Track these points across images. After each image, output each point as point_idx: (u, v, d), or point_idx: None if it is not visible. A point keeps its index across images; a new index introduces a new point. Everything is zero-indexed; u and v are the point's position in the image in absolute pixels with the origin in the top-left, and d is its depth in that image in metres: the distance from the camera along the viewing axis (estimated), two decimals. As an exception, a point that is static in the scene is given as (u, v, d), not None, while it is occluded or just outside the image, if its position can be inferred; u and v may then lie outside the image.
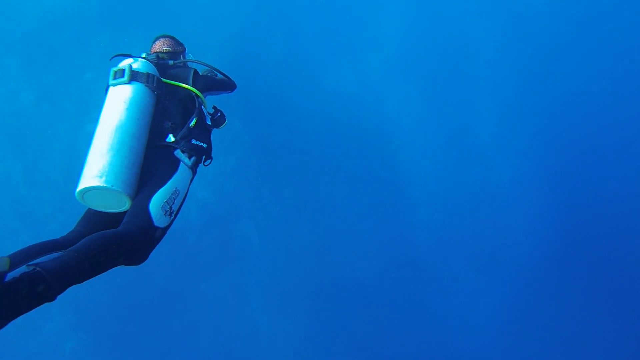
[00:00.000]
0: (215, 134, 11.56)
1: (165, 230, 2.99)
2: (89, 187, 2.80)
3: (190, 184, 3.42)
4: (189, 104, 3.39)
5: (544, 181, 13.17)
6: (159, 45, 3.92)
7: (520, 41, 13.73)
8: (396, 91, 13.30)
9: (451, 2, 13.44)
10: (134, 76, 3.13)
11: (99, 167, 2.78)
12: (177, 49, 3.92)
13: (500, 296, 13.04)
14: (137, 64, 3.23)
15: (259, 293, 12.06)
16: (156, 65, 3.55)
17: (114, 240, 2.46)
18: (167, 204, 2.99)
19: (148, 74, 3.18)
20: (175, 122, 3.30)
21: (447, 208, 12.90)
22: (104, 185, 2.78)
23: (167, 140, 3.21)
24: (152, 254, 2.99)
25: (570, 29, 13.89)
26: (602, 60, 13.73)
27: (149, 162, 3.12)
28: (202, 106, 3.72)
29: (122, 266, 2.71)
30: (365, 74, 13.28)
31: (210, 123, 3.90)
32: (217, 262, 11.92)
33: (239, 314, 12.10)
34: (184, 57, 4.13)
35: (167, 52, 3.84)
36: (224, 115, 4.02)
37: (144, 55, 3.57)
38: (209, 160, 3.86)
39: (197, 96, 3.59)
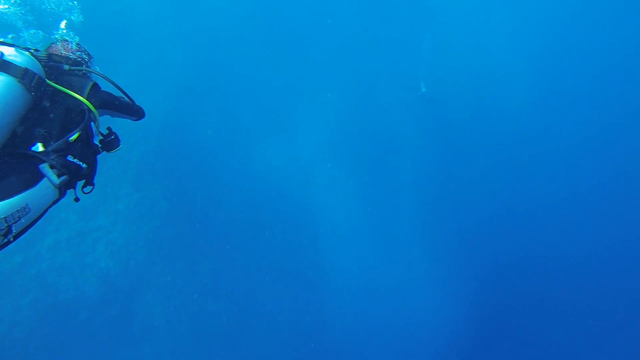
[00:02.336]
0: (132, 199, 10.81)
1: None
2: None
3: (50, 206, 2.86)
4: (76, 117, 2.92)
5: (462, 284, 13.88)
6: (58, 48, 3.34)
7: (444, 138, 15.23)
8: (325, 175, 13.67)
9: (385, 96, 14.69)
10: (4, 66, 2.63)
11: None
12: (80, 58, 3.42)
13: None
14: (14, 55, 2.71)
15: (156, 383, 10.58)
16: (45, 65, 3.02)
17: None
18: (5, 221, 2.36)
19: (27, 70, 2.66)
20: (51, 131, 2.72)
21: (363, 300, 12.86)
22: None
23: (33, 149, 2.61)
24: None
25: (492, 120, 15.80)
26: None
27: None
28: (93, 123, 3.18)
29: None
30: (296, 153, 13.59)
31: (98, 144, 3.37)
32: (110, 343, 10.39)
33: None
34: (87, 67, 3.64)
35: (66, 58, 3.31)
36: (119, 139, 3.47)
37: (32, 49, 3.06)
38: (90, 187, 3.27)
39: (90, 111, 3.06)
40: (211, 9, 13.19)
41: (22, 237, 2.63)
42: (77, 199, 3.25)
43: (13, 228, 2.41)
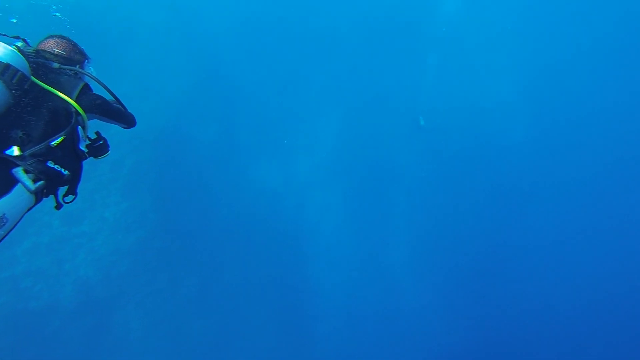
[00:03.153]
0: (120, 207, 10.52)
1: None
2: None
3: (27, 211, 2.63)
4: (61, 119, 2.72)
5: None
6: (50, 45, 3.09)
7: (441, 170, 15.24)
8: (318, 200, 13.53)
9: (384, 127, 14.74)
10: None
11: None
12: (75, 57, 3.16)
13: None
14: None
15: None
16: (33, 62, 2.75)
17: None
18: None
19: (8, 66, 2.49)
20: (31, 134, 2.53)
21: (352, 326, 12.56)
22: None
23: (7, 152, 2.42)
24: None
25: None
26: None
27: None
28: (80, 127, 2.94)
29: None
30: (291, 176, 13.46)
31: (85, 149, 3.13)
32: (81, 356, 9.92)
33: None
34: (81, 68, 3.41)
35: (58, 55, 3.06)
36: (108, 145, 3.23)
37: (19, 44, 2.85)
38: (72, 197, 3.02)
39: (78, 114, 2.82)
40: (213, 24, 13.27)
41: None
42: (59, 206, 3.00)
43: None
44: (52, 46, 3.09)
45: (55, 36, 3.16)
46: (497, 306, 14.00)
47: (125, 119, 3.47)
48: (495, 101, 16.23)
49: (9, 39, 2.83)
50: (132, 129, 3.73)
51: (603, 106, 16.65)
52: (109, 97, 3.33)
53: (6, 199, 2.33)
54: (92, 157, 3.17)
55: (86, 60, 3.28)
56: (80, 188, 3.06)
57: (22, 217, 2.56)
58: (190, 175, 11.36)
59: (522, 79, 16.44)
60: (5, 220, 2.31)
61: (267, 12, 13.69)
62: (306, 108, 14.43)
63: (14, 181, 2.40)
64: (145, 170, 10.70)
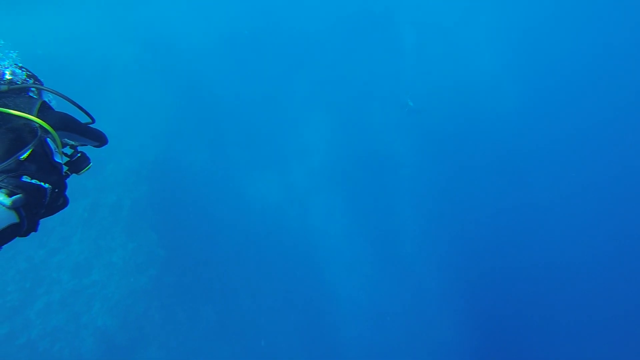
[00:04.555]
0: (127, 249, 10.31)
1: None
2: None
3: (11, 235, 2.48)
4: (26, 135, 2.65)
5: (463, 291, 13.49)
6: None
7: (438, 150, 15.12)
8: (321, 202, 13.38)
9: (374, 117, 14.62)
10: None
11: None
12: (22, 81, 3.03)
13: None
14: None
15: None
16: None
17: None
18: None
19: None
20: None
21: (374, 324, 12.35)
22: None
23: None
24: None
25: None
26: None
27: None
28: (49, 139, 2.81)
29: None
30: (291, 184, 13.31)
31: (60, 161, 2.99)
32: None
33: None
34: (36, 84, 3.25)
35: (8, 81, 2.88)
36: (87, 157, 3.10)
37: None
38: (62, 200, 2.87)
39: (45, 130, 2.72)
40: (188, 50, 13.18)
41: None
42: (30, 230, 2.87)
43: None
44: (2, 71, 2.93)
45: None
46: (510, 280, 13.84)
47: (96, 135, 3.33)
48: (480, 73, 16.19)
49: None
50: (104, 146, 3.54)
51: (589, 68, 16.68)
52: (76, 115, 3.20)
53: None
54: (74, 174, 3.04)
55: (39, 84, 3.14)
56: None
57: (9, 239, 2.41)
58: (191, 204, 11.21)
59: (506, 48, 16.42)
60: None
61: (238, 29, 13.62)
62: (293, 114, 14.35)
63: None
64: (145, 207, 10.52)
